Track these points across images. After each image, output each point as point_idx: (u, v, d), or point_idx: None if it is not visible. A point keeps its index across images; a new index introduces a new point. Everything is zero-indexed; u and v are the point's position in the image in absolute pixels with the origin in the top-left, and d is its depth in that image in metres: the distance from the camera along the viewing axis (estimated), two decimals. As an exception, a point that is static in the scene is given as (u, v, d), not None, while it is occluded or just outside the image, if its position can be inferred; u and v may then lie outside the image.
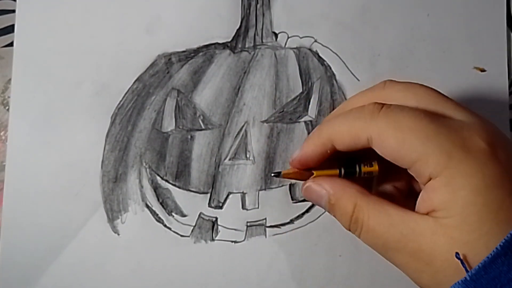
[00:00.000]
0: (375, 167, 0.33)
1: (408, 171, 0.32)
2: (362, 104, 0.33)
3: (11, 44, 0.41)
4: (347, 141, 0.33)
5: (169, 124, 0.40)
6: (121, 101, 0.40)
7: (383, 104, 0.33)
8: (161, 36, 0.41)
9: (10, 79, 0.40)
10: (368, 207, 0.33)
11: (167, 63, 0.41)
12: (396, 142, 0.31)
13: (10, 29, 0.41)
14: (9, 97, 0.41)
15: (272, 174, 0.38)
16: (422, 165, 0.31)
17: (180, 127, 0.40)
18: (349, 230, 0.34)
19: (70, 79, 0.40)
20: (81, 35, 0.41)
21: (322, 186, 0.35)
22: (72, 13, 0.41)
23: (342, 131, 0.33)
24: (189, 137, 0.40)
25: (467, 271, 0.28)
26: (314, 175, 0.35)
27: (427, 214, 0.31)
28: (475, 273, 0.28)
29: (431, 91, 0.34)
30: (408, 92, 0.34)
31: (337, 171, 0.34)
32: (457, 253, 0.29)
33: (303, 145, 0.35)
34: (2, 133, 0.41)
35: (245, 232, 0.40)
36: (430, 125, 0.31)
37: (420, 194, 0.32)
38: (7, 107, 0.41)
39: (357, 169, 0.34)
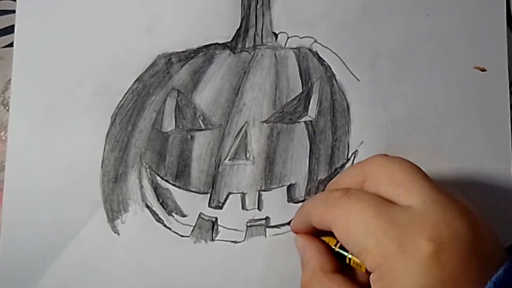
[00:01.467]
0: (363, 268, 0.34)
1: None
2: (350, 179, 0.35)
3: (11, 45, 0.41)
4: (317, 223, 0.35)
5: (169, 124, 0.41)
6: (121, 101, 0.40)
7: (346, 191, 0.34)
8: (161, 36, 0.41)
9: (10, 79, 0.40)
10: (319, 285, 0.34)
11: (167, 63, 0.41)
12: (344, 233, 0.33)
13: (10, 29, 0.41)
14: (9, 97, 0.41)
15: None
16: (363, 259, 0.32)
17: (180, 127, 0.40)
18: None
19: (70, 79, 0.40)
20: (81, 35, 0.41)
21: (302, 245, 0.37)
22: (72, 13, 0.41)
23: (313, 213, 0.35)
24: (189, 137, 0.40)
25: None
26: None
27: None
28: None
29: (406, 169, 0.33)
30: (382, 171, 0.34)
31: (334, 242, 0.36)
32: None
33: (293, 219, 0.38)
34: (2, 133, 0.41)
35: (245, 232, 0.40)
36: (373, 219, 0.31)
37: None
38: (7, 107, 0.41)
39: (347, 260, 0.35)
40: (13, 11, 0.41)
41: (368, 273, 0.32)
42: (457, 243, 0.30)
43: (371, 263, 0.31)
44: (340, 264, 0.35)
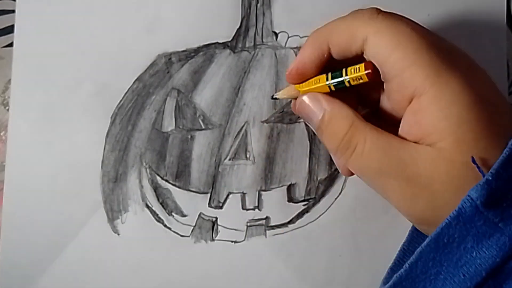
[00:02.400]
0: (362, 71, 0.31)
1: (390, 85, 0.31)
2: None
3: (11, 45, 0.41)
4: (344, 41, 0.32)
5: (169, 124, 0.40)
6: (121, 101, 0.40)
7: (382, 10, 0.32)
8: (161, 35, 0.41)
9: (10, 79, 0.40)
10: (366, 130, 0.31)
11: (167, 63, 0.41)
12: (391, 43, 0.30)
13: (10, 29, 0.41)
14: (9, 97, 0.40)
15: (271, 97, 0.38)
16: (411, 76, 0.30)
17: (180, 127, 0.40)
18: (334, 154, 0.33)
19: (70, 79, 0.40)
20: (81, 35, 0.41)
21: (319, 101, 0.34)
22: (72, 13, 0.41)
23: (339, 30, 0.32)
24: (189, 137, 0.40)
25: (483, 174, 0.28)
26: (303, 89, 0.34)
27: (416, 143, 0.30)
28: (495, 172, 0.28)
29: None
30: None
31: (325, 84, 0.33)
32: (472, 158, 0.28)
33: (300, 50, 0.34)
34: (2, 133, 0.41)
35: (245, 232, 0.40)
36: (425, 36, 0.31)
37: (403, 119, 0.31)
38: (7, 107, 0.41)
39: (344, 74, 0.32)
40: (13, 11, 0.41)
41: (369, 77, 0.31)
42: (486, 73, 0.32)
43: (421, 82, 0.29)
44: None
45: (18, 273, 0.39)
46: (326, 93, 0.34)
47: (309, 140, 0.41)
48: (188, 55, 0.41)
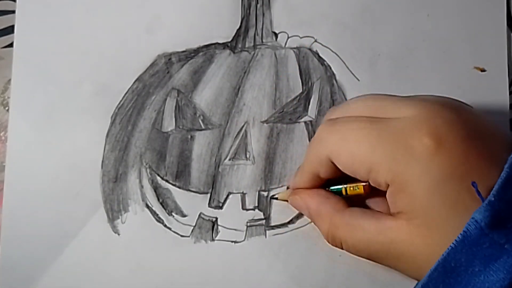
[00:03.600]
0: (361, 190, 0.35)
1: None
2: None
3: (11, 45, 0.41)
4: (317, 166, 0.35)
5: (169, 124, 0.41)
6: (121, 101, 0.40)
7: (333, 120, 0.34)
8: (161, 36, 0.41)
9: (10, 80, 0.40)
10: (342, 227, 0.34)
11: (167, 63, 0.41)
12: (347, 157, 0.33)
13: (10, 30, 0.41)
14: (9, 97, 0.40)
15: (271, 197, 0.40)
16: (375, 175, 0.32)
17: (180, 127, 0.40)
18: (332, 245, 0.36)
19: (70, 79, 0.40)
20: (81, 36, 0.41)
21: (303, 200, 0.37)
22: (72, 14, 0.41)
23: (312, 158, 0.35)
24: (189, 137, 0.40)
25: (482, 199, 0.29)
26: None
27: (393, 214, 0.32)
28: (496, 194, 0.28)
29: (370, 96, 0.35)
30: (352, 105, 0.35)
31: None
32: (473, 182, 0.29)
33: (294, 176, 0.39)
34: (2, 134, 0.41)
35: (245, 232, 0.40)
36: (373, 132, 0.32)
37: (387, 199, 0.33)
38: (7, 108, 0.41)
39: (344, 192, 0.36)
40: (13, 12, 0.41)
41: (366, 191, 0.34)
42: (458, 131, 0.31)
43: (385, 176, 0.31)
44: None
45: (19, 273, 0.39)
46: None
47: (309, 140, 0.41)
48: (188, 55, 0.41)
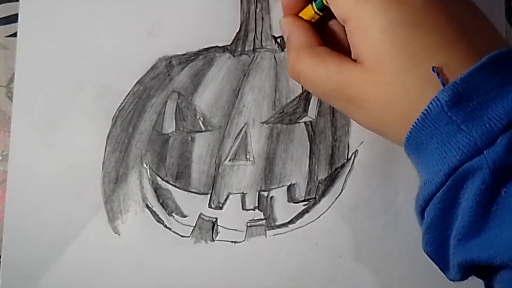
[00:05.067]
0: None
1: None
2: None
3: (15, 35, 0.41)
4: None
5: (169, 126, 0.41)
6: (122, 103, 0.41)
7: None
8: (161, 39, 0.42)
9: (14, 73, 0.41)
10: (307, 59, 0.35)
11: (167, 66, 0.41)
12: None
13: (14, 18, 0.41)
14: (13, 89, 0.41)
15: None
16: (336, 5, 0.33)
17: (181, 129, 0.41)
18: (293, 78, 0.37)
19: (72, 82, 0.41)
20: (83, 39, 0.41)
21: (287, 25, 0.38)
22: (73, 18, 0.41)
23: None
24: (189, 138, 0.41)
25: (443, 84, 0.29)
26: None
27: (355, 61, 0.33)
28: (463, 77, 0.29)
29: None
30: None
31: (311, 9, 0.37)
32: (433, 67, 0.30)
33: None
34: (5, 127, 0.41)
35: (245, 232, 0.40)
36: None
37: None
38: (12, 98, 0.41)
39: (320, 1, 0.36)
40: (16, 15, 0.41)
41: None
42: None
43: (343, 10, 0.33)
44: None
45: (20, 273, 0.39)
46: (315, 20, 0.38)
47: (309, 140, 0.41)
48: (188, 58, 0.42)
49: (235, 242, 0.40)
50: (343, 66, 0.33)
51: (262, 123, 0.41)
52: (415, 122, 0.30)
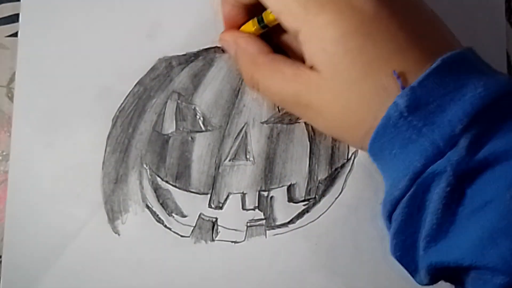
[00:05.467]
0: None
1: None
2: None
3: (15, 34, 0.41)
4: None
5: (169, 126, 0.41)
6: (122, 104, 0.41)
7: None
8: (161, 40, 0.42)
9: (15, 72, 0.41)
10: (263, 67, 0.36)
11: (167, 67, 0.41)
12: None
13: (15, 17, 0.42)
14: (14, 89, 0.41)
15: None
16: (285, 18, 0.33)
17: (181, 129, 0.41)
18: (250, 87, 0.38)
19: (72, 82, 0.41)
20: (83, 40, 0.41)
21: (233, 38, 0.39)
22: (74, 18, 0.41)
23: None
24: (189, 138, 0.41)
25: (402, 87, 0.30)
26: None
27: (311, 67, 0.33)
28: (420, 80, 0.29)
29: None
30: None
31: (252, 26, 0.38)
32: (394, 71, 0.30)
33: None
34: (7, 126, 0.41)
35: (245, 232, 0.40)
36: None
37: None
38: (12, 99, 0.41)
39: (264, 17, 0.37)
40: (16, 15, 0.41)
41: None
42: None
43: (293, 22, 0.33)
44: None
45: (21, 273, 0.39)
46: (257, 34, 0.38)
47: (309, 140, 0.41)
48: (188, 59, 0.42)
49: (235, 242, 0.40)
50: (300, 72, 0.34)
51: (262, 123, 0.41)
52: (376, 129, 0.30)
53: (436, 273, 0.30)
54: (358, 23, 0.31)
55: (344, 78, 0.31)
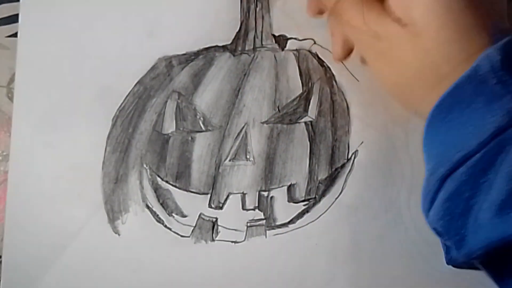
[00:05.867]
0: None
1: None
2: None
3: (15, 35, 0.41)
4: None
5: (169, 126, 0.41)
6: (122, 103, 0.41)
7: None
8: (161, 40, 0.42)
9: (15, 72, 0.41)
10: (348, 3, 0.35)
11: (167, 66, 0.41)
12: None
13: (14, 18, 0.42)
14: (13, 89, 0.41)
15: None
16: None
17: (181, 129, 0.41)
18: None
19: (73, 82, 0.41)
20: (83, 40, 0.41)
21: None
22: (74, 18, 0.41)
23: None
24: (189, 138, 0.41)
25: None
26: None
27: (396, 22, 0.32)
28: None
29: None
30: None
31: None
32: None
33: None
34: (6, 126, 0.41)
35: (245, 232, 0.40)
36: None
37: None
38: (12, 99, 0.41)
39: None
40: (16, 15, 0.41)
41: None
42: None
43: None
44: None
45: (21, 273, 0.39)
46: None
47: (309, 140, 0.41)
48: (188, 58, 0.42)
49: (235, 242, 0.40)
50: (385, 19, 0.33)
51: (262, 123, 0.41)
52: (458, 80, 0.29)
53: (493, 252, 0.28)
54: None
55: (434, 37, 0.31)
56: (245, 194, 0.40)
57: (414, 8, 0.31)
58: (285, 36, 0.43)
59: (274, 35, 0.43)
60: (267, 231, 0.40)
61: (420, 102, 0.33)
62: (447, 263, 0.31)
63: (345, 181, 0.41)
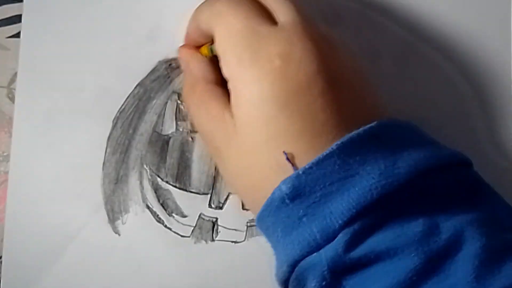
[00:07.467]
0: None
1: None
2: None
3: (17, 35, 0.42)
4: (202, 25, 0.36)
5: (169, 127, 0.41)
6: (122, 105, 0.41)
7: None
8: (161, 42, 0.42)
9: (17, 73, 0.41)
10: (197, 95, 0.36)
11: (167, 68, 0.42)
12: (212, 29, 0.34)
13: (16, 19, 0.42)
14: (15, 89, 0.41)
15: None
16: (222, 62, 0.33)
17: (181, 129, 0.41)
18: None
19: (73, 84, 0.41)
20: (85, 42, 0.42)
21: (183, 57, 0.39)
22: (75, 21, 0.42)
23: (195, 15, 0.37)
24: (189, 139, 0.41)
25: (294, 169, 0.29)
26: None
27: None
28: (307, 167, 0.28)
29: None
30: None
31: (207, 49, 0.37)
32: (284, 152, 0.29)
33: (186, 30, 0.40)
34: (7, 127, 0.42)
35: (245, 232, 0.40)
36: (242, 21, 0.32)
37: None
38: (13, 100, 0.41)
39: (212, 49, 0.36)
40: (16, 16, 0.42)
41: None
42: (307, 60, 0.30)
43: (226, 70, 0.32)
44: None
45: (21, 273, 0.39)
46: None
47: (308, 140, 0.41)
48: (188, 60, 0.42)
49: (235, 242, 0.40)
50: (222, 116, 0.33)
51: (262, 123, 0.41)
52: (262, 207, 0.30)
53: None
54: (281, 91, 0.30)
55: (250, 141, 0.31)
56: (245, 194, 0.40)
57: (235, 107, 0.32)
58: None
59: (273, 37, 0.43)
60: (268, 231, 0.40)
61: (251, 209, 0.35)
62: None
63: (346, 180, 0.40)
